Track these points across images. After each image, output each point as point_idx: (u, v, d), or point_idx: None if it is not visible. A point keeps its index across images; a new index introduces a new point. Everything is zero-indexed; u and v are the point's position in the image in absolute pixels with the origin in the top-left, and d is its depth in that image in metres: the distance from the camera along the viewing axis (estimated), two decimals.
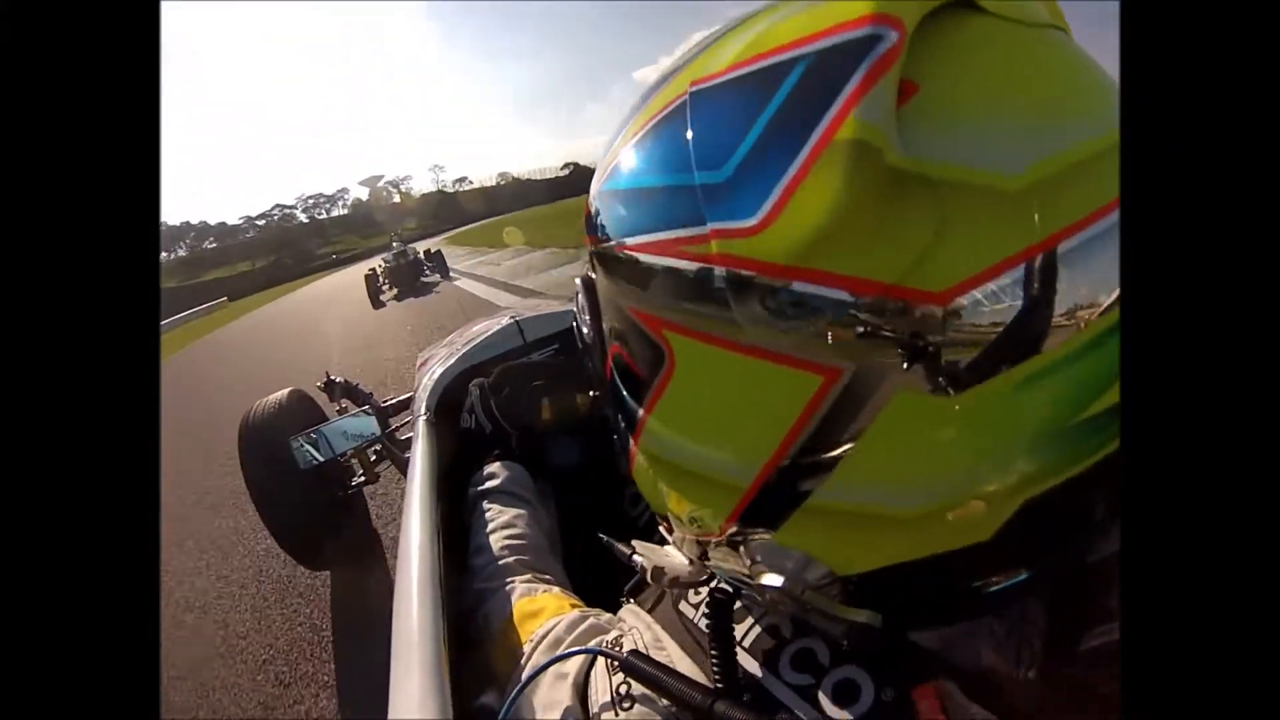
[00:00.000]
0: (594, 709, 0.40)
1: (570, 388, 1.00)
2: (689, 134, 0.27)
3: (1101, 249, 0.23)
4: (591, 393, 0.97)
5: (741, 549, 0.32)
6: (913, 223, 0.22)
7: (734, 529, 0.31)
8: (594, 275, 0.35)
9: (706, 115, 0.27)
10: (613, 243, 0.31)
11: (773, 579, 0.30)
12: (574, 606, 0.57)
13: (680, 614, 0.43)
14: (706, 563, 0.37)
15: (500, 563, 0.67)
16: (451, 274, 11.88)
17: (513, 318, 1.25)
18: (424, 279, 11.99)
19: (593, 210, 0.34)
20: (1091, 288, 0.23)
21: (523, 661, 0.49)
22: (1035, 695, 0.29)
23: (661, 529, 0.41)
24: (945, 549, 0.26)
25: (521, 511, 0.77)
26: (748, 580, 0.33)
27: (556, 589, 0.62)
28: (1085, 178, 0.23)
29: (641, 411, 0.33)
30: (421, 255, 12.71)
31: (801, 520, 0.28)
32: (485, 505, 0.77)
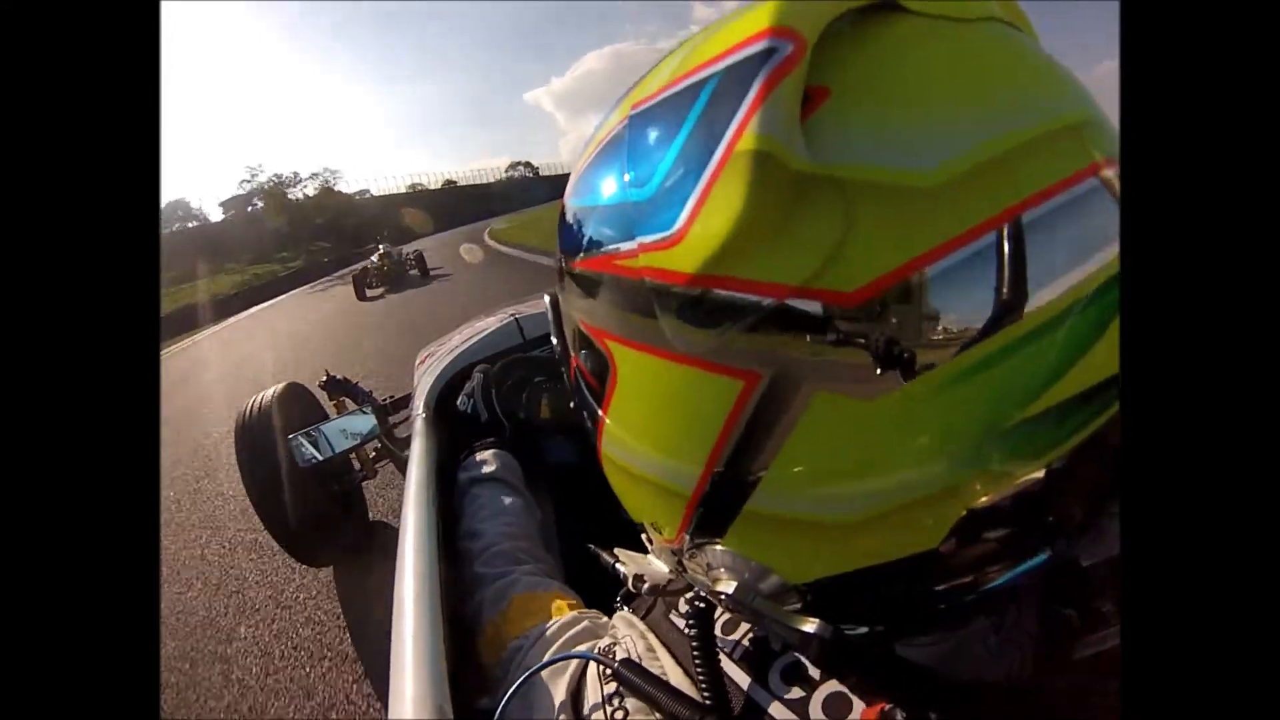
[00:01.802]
0: (586, 710, 0.40)
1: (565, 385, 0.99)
2: (625, 154, 0.29)
3: (1044, 234, 0.22)
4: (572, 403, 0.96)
5: (698, 557, 0.32)
6: (819, 225, 0.22)
7: (688, 536, 0.32)
8: (558, 291, 0.37)
9: (640, 135, 0.28)
10: (565, 260, 0.33)
11: (727, 586, 0.31)
12: (572, 607, 0.57)
13: (672, 624, 0.43)
14: (683, 572, 0.37)
15: (499, 548, 0.67)
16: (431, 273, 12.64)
17: (512, 315, 1.25)
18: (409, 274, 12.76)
19: (558, 229, 0.35)
20: (1025, 279, 0.22)
21: (516, 658, 0.50)
22: (1029, 706, 0.29)
23: (643, 536, 0.41)
24: (892, 557, 0.26)
25: (517, 501, 0.77)
26: (710, 589, 0.33)
27: (557, 586, 0.62)
28: (1012, 167, 0.23)
29: (600, 417, 0.34)
30: (406, 256, 13.40)
31: (745, 528, 0.29)
32: (479, 491, 0.77)
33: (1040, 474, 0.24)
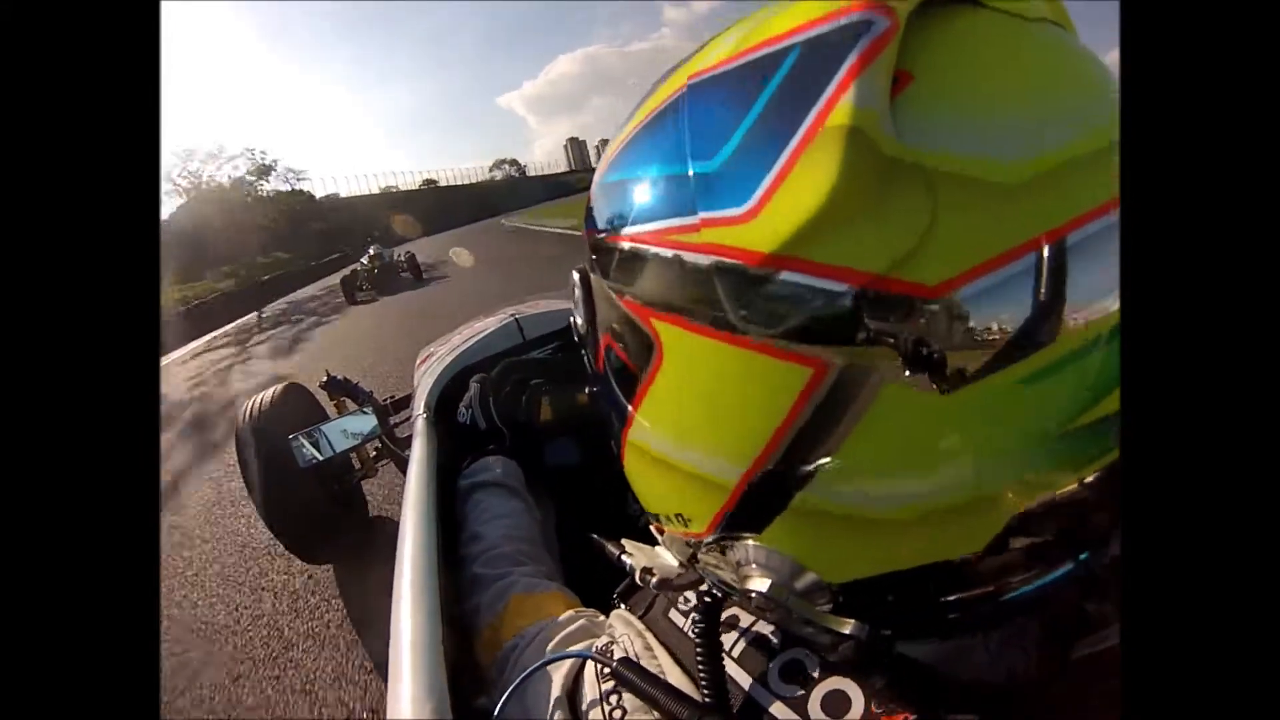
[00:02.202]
0: (583, 707, 0.40)
1: (571, 387, 1.00)
2: (685, 125, 0.27)
3: (1106, 245, 0.22)
4: (589, 390, 0.96)
5: (728, 552, 0.31)
6: (905, 213, 0.21)
7: (720, 530, 0.30)
8: (589, 267, 0.35)
9: (702, 106, 0.27)
10: (606, 233, 0.31)
11: (759, 584, 0.29)
12: (569, 606, 0.57)
13: (671, 622, 0.43)
14: (695, 565, 0.36)
15: (499, 550, 0.67)
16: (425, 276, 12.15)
17: (512, 316, 1.25)
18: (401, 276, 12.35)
19: (591, 203, 0.34)
20: (1095, 285, 0.22)
21: (512, 657, 0.49)
22: (1029, 706, 0.29)
23: (652, 528, 0.39)
24: (936, 559, 0.26)
25: (518, 504, 0.77)
26: (734, 586, 0.32)
27: (555, 587, 0.62)
28: (1088, 173, 0.23)
29: (631, 405, 0.32)
30: (398, 258, 12.87)
31: (789, 523, 0.27)
32: (480, 496, 0.77)
33: (1075, 485, 0.24)
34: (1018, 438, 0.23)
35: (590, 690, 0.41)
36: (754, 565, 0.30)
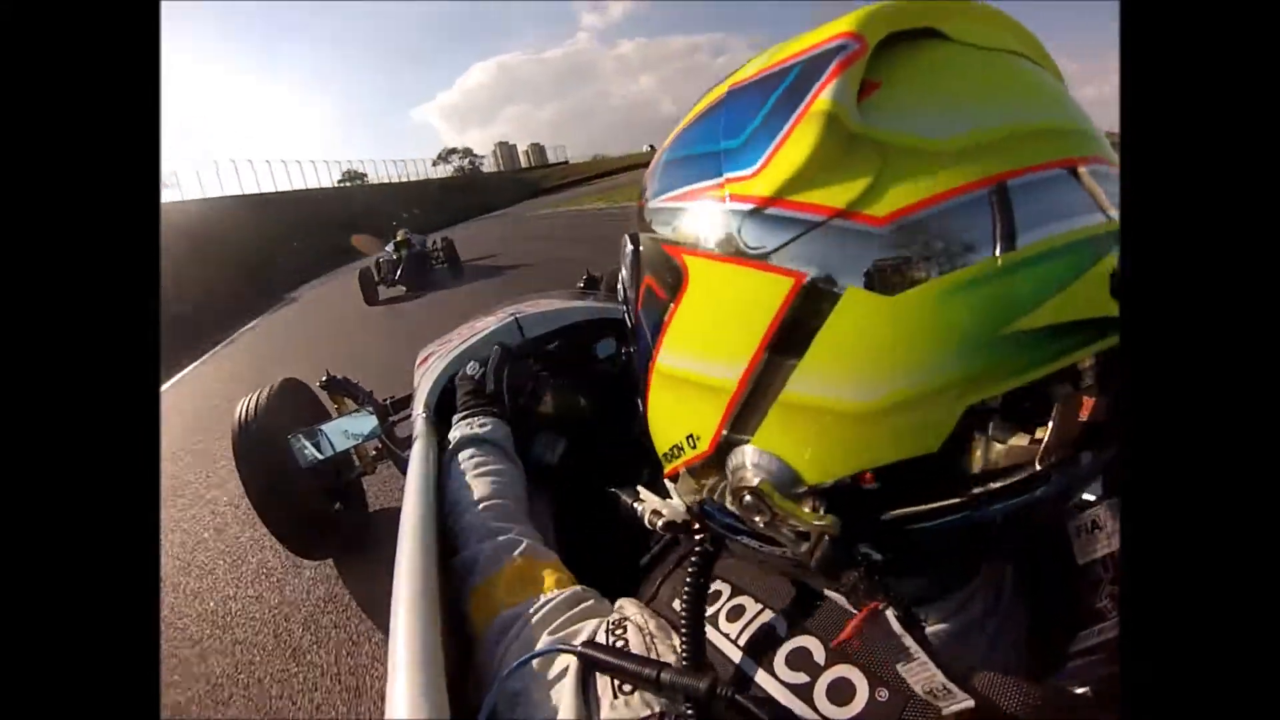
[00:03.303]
0: (596, 691, 0.40)
1: (571, 386, 1.00)
2: (722, 117, 0.37)
3: (1023, 197, 0.29)
4: (583, 400, 0.98)
5: (728, 462, 0.37)
6: (862, 168, 0.30)
7: (722, 441, 0.37)
8: (639, 228, 0.44)
9: (736, 104, 0.37)
10: (659, 197, 0.40)
11: (751, 480, 0.35)
12: (571, 581, 0.56)
13: (674, 610, 0.43)
14: (701, 504, 0.42)
15: (502, 503, 0.67)
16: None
17: (512, 315, 1.25)
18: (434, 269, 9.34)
19: (647, 178, 0.44)
20: (1018, 221, 0.29)
21: (513, 628, 0.49)
22: (1024, 692, 0.30)
23: (665, 477, 0.45)
24: (900, 456, 0.31)
25: (512, 467, 0.78)
26: (733, 493, 0.37)
27: (556, 558, 0.61)
28: (1016, 145, 0.30)
29: (660, 332, 0.39)
30: (432, 246, 9.67)
31: (775, 420, 0.34)
32: (476, 450, 0.78)
33: (1023, 398, 0.30)
34: (953, 336, 0.29)
35: (600, 678, 0.41)
36: (748, 467, 0.36)
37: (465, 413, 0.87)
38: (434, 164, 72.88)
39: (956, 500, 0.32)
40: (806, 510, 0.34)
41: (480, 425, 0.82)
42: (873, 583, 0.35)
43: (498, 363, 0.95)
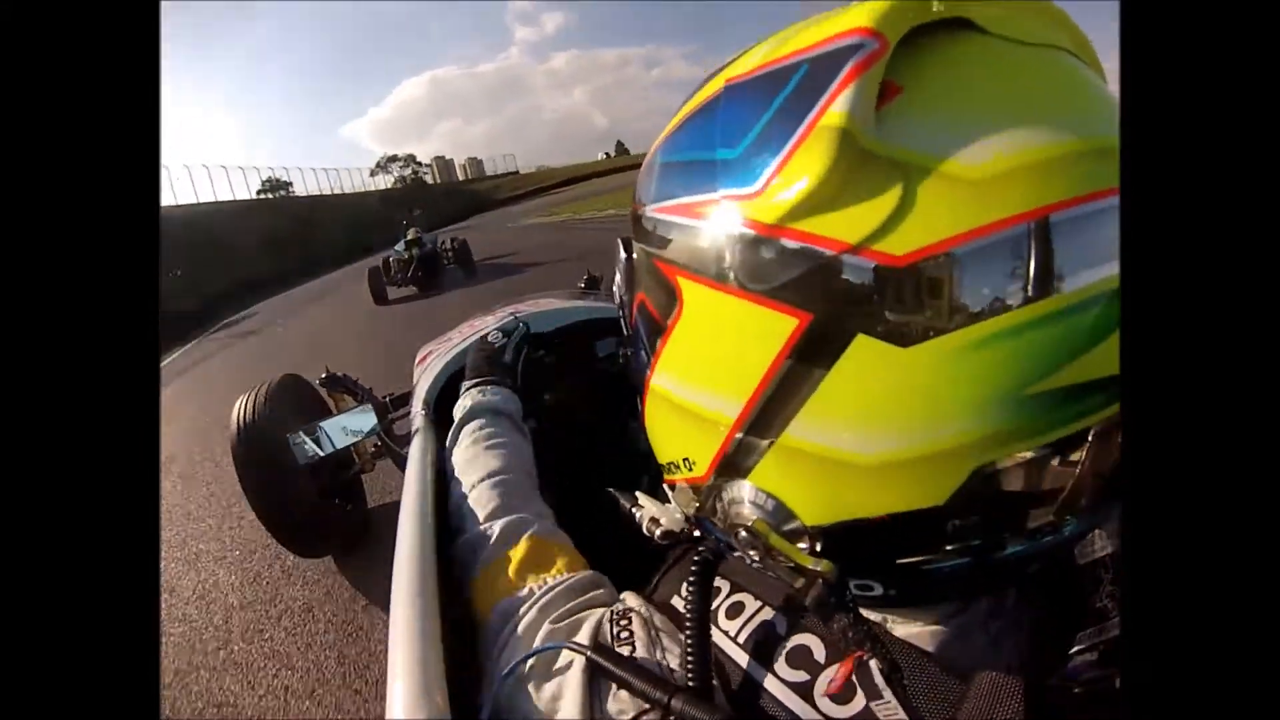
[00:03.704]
0: (600, 684, 0.40)
1: (571, 386, 1.00)
2: (718, 119, 0.33)
3: (1069, 234, 0.25)
4: (584, 394, 0.98)
5: (724, 493, 0.35)
6: (880, 196, 0.26)
7: (718, 472, 0.35)
8: (633, 236, 0.41)
9: (733, 105, 0.32)
10: (649, 206, 0.37)
11: (746, 519, 0.34)
12: (582, 564, 0.53)
13: (674, 607, 0.43)
14: (700, 519, 0.40)
15: (511, 478, 0.63)
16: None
17: (512, 314, 1.25)
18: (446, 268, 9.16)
19: (640, 180, 0.40)
20: (1049, 267, 0.25)
21: (522, 610, 0.46)
22: (1024, 692, 0.30)
23: (665, 484, 0.43)
24: (902, 508, 0.29)
25: (522, 440, 0.74)
26: (726, 527, 0.35)
27: (567, 542, 0.57)
28: (1053, 172, 0.26)
29: (655, 353, 0.37)
30: (444, 245, 9.51)
31: (773, 461, 0.32)
32: (487, 421, 0.74)
33: (1042, 453, 0.27)
34: (971, 395, 0.26)
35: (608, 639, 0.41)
36: (744, 504, 0.34)
37: (478, 380, 0.83)
38: (371, 173, 60.69)
39: (968, 547, 0.30)
40: (803, 551, 0.33)
41: (494, 393, 0.79)
42: (862, 633, 0.32)
43: (520, 340, 0.93)
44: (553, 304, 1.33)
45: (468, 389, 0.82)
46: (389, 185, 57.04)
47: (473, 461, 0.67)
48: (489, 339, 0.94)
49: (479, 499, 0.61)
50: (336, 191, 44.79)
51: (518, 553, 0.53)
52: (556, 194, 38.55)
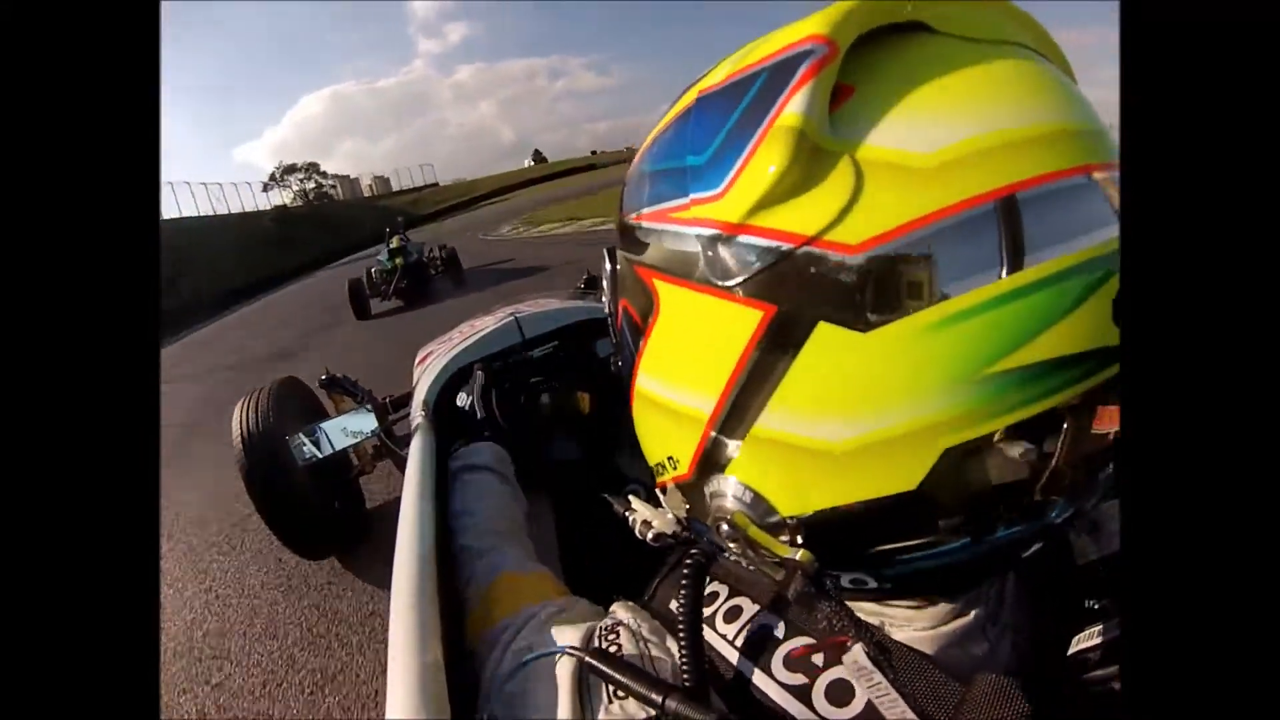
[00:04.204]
0: (592, 694, 0.40)
1: (570, 386, 1.00)
2: (689, 129, 0.34)
3: (1027, 213, 0.26)
4: (585, 394, 0.98)
5: (706, 487, 0.36)
6: (834, 190, 0.27)
7: (699, 468, 0.36)
8: (617, 244, 0.42)
9: (703, 114, 0.34)
10: (630, 215, 0.39)
11: (726, 511, 0.34)
12: (558, 591, 0.57)
13: (671, 611, 0.43)
14: (690, 521, 0.41)
15: (488, 526, 0.69)
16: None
17: (511, 315, 1.25)
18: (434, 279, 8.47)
19: (624, 191, 0.41)
20: (1009, 247, 0.26)
21: (503, 638, 0.48)
22: (1024, 693, 0.30)
23: (656, 487, 0.44)
24: (875, 494, 0.30)
25: (505, 489, 0.79)
26: (710, 521, 0.36)
27: (545, 569, 0.62)
28: (1002, 157, 0.27)
29: (638, 353, 0.38)
30: (431, 254, 8.78)
31: (748, 452, 0.32)
32: (469, 477, 0.80)
33: (1015, 434, 0.27)
34: (933, 376, 0.27)
35: (597, 678, 0.41)
36: (726, 497, 0.35)
37: (458, 444, 0.89)
38: (265, 188, 49.21)
39: (950, 534, 0.30)
40: (783, 542, 0.33)
41: (472, 453, 0.85)
42: (845, 622, 0.33)
43: (483, 388, 0.96)
44: (552, 304, 1.34)
45: (451, 455, 0.87)
46: (288, 201, 48.53)
47: (454, 518, 0.73)
48: (459, 404, 0.98)
49: (461, 548, 0.67)
50: (218, 213, 35.12)
51: (496, 588, 0.58)
52: (491, 204, 37.26)
